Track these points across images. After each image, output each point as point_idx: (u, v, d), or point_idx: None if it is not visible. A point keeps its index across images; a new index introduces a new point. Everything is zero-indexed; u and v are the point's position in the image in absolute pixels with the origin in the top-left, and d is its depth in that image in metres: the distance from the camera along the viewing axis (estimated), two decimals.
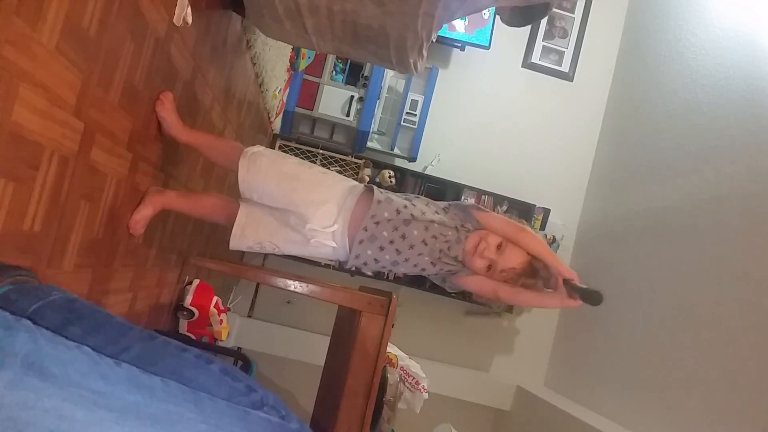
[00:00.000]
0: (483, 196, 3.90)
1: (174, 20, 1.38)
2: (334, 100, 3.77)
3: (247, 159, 1.44)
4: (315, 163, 3.67)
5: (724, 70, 3.15)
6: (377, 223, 1.42)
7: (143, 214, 1.45)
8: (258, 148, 1.49)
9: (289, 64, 3.29)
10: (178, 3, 1.38)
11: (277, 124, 3.62)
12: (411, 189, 3.86)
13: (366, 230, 1.43)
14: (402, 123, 3.93)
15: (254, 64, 2.45)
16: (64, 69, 0.95)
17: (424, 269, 1.49)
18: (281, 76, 3.15)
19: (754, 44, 2.96)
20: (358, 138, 3.78)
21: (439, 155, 4.13)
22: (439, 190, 3.87)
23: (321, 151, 3.69)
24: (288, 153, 3.66)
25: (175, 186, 1.76)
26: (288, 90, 3.52)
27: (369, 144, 3.87)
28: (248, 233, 1.47)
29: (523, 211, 3.91)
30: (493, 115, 4.39)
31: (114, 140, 1.22)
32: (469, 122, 4.34)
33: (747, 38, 3.03)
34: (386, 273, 1.48)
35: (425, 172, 3.98)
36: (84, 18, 0.98)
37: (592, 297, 1.30)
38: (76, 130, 1.04)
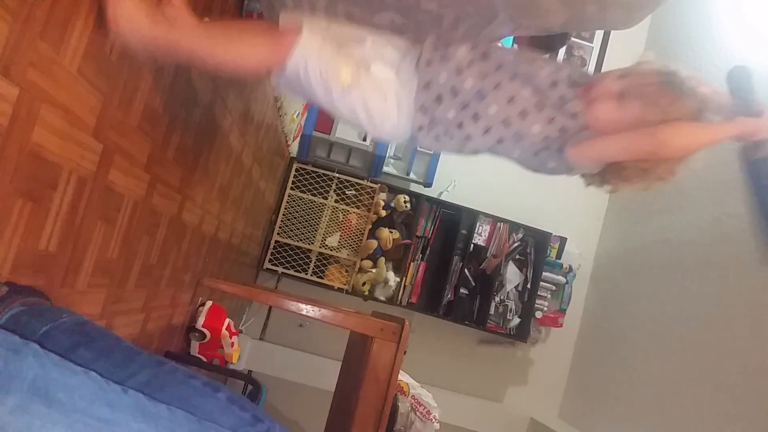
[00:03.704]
0: (498, 224, 3.87)
1: None
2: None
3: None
4: (331, 186, 3.70)
5: None
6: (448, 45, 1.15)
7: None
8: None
9: None
10: None
11: (294, 148, 3.65)
12: (426, 215, 3.84)
13: (436, 50, 1.14)
14: (418, 148, 3.94)
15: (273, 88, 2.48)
16: (85, 91, 0.97)
17: (525, 112, 1.12)
18: (300, 100, 3.18)
19: None
20: (374, 162, 3.79)
21: (454, 181, 4.12)
22: (454, 216, 3.86)
23: (337, 174, 3.70)
24: (304, 177, 3.69)
25: (192, 208, 1.77)
26: (306, 114, 3.54)
27: (385, 169, 3.87)
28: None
29: (539, 239, 3.87)
30: None
31: (132, 162, 1.23)
32: None
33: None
34: (470, 120, 1.15)
35: (440, 198, 3.97)
36: (106, 42, 0.99)
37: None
38: (94, 151, 1.05)
